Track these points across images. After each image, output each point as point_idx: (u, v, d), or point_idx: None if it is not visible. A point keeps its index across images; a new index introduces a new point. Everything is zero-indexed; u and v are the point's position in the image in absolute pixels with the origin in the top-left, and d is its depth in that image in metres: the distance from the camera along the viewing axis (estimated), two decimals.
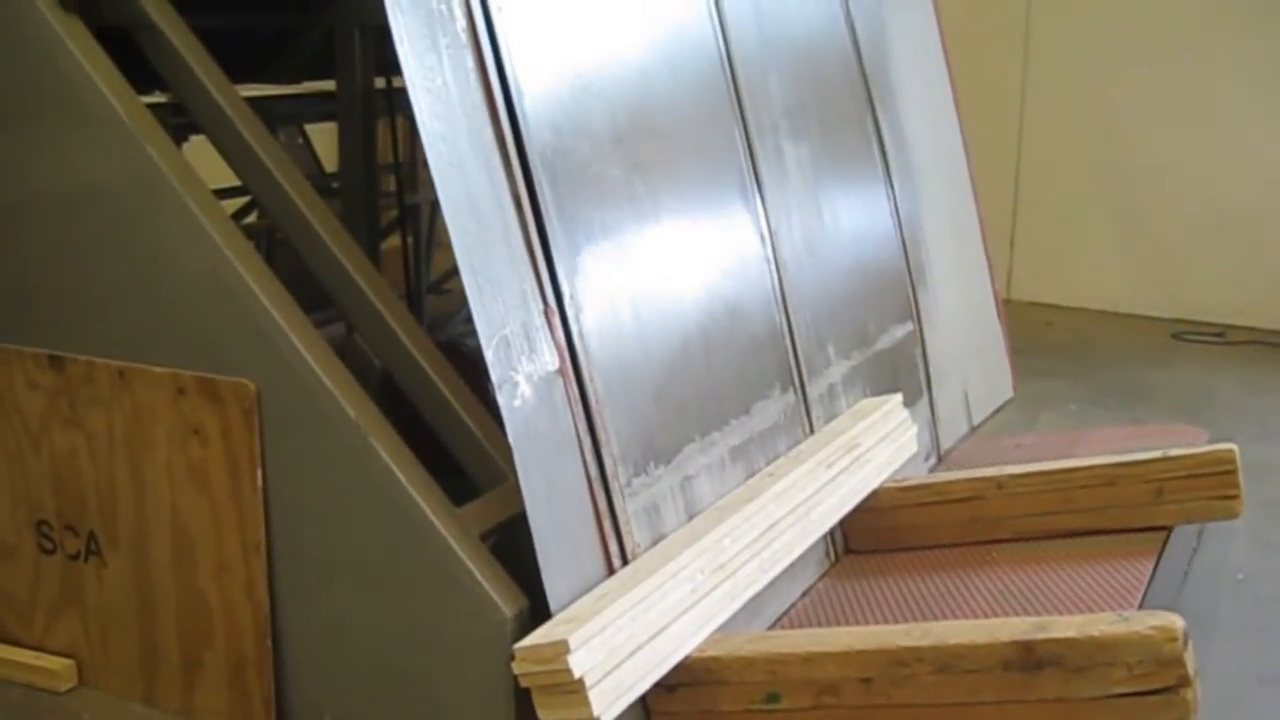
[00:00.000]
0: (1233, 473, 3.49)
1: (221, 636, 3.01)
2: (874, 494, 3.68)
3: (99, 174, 2.99)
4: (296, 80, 4.61)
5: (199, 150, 3.40)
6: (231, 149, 3.24)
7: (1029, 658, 2.43)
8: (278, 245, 4.54)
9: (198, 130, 3.28)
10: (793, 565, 3.26)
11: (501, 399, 2.57)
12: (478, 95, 2.70)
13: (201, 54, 3.19)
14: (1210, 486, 3.51)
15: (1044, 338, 7.08)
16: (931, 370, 4.68)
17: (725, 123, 3.58)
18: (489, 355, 2.57)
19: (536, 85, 2.85)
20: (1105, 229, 7.91)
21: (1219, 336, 7.11)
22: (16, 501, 3.25)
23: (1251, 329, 7.19)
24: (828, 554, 3.65)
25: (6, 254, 3.19)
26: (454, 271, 6.01)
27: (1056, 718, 2.43)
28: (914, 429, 3.99)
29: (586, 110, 3.02)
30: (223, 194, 3.60)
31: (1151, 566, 3.36)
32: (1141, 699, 2.37)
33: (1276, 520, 4.39)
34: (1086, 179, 7.95)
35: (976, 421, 5.12)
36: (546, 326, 2.73)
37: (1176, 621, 2.38)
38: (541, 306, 2.73)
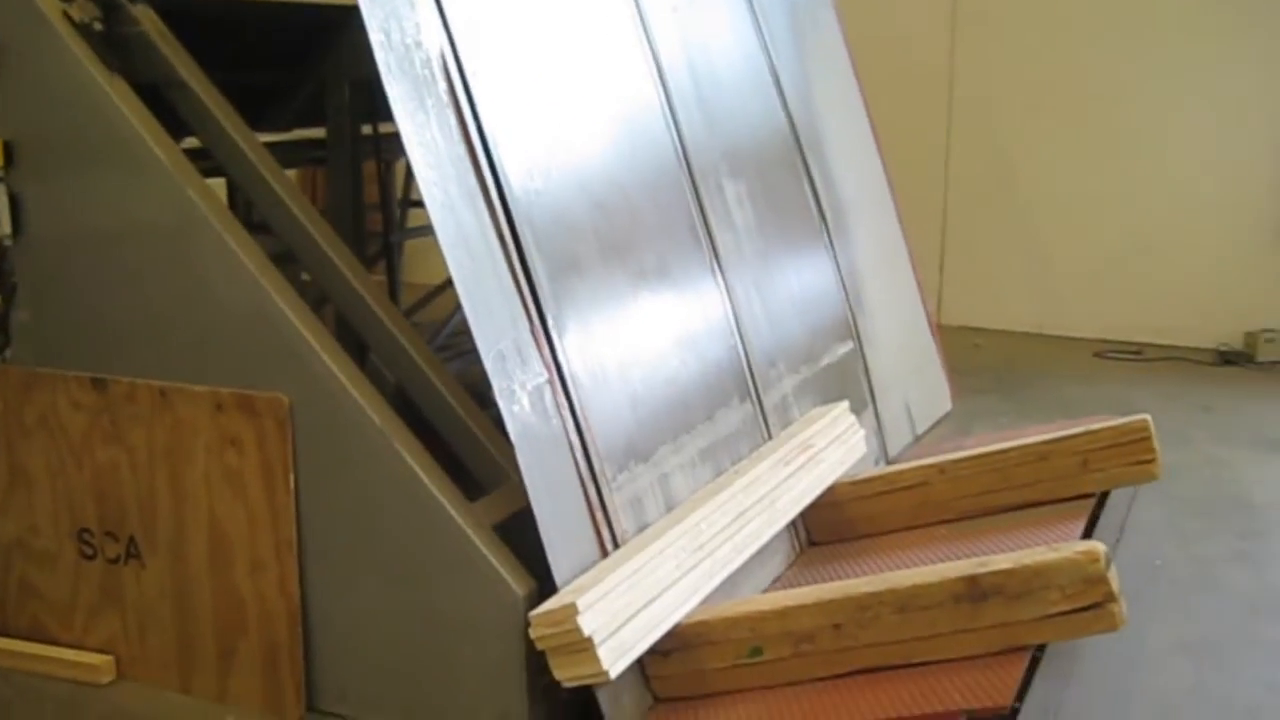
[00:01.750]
0: (1148, 439, 3.88)
1: (255, 628, 3.32)
2: (830, 489, 4.06)
3: (143, 213, 3.32)
4: (289, 129, 4.95)
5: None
6: (252, 187, 3.60)
7: (974, 589, 2.82)
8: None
9: (220, 173, 3.62)
10: (763, 555, 3.66)
11: (502, 404, 2.95)
12: (460, 148, 3.12)
13: (225, 106, 3.55)
14: (1130, 454, 3.90)
15: (973, 358, 7.49)
16: (874, 384, 5.10)
17: (673, 172, 4.02)
18: (489, 366, 2.95)
19: (510, 139, 3.27)
20: (1029, 255, 8.33)
21: (1137, 354, 7.56)
22: (58, 512, 3.56)
23: (1168, 346, 7.65)
24: (793, 546, 4.04)
25: (55, 287, 3.51)
26: (420, 305, 6.41)
27: (1004, 640, 2.81)
28: (861, 432, 4.40)
29: (555, 160, 3.45)
30: None
31: (1082, 526, 3.74)
32: (1075, 615, 2.75)
33: (1188, 514, 4.83)
34: (1009, 209, 8.38)
35: (920, 431, 5.52)
36: (534, 343, 3.12)
37: (1099, 546, 2.77)
38: (529, 326, 3.12)
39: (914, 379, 5.62)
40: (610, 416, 3.31)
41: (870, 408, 5.03)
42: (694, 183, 4.10)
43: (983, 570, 2.84)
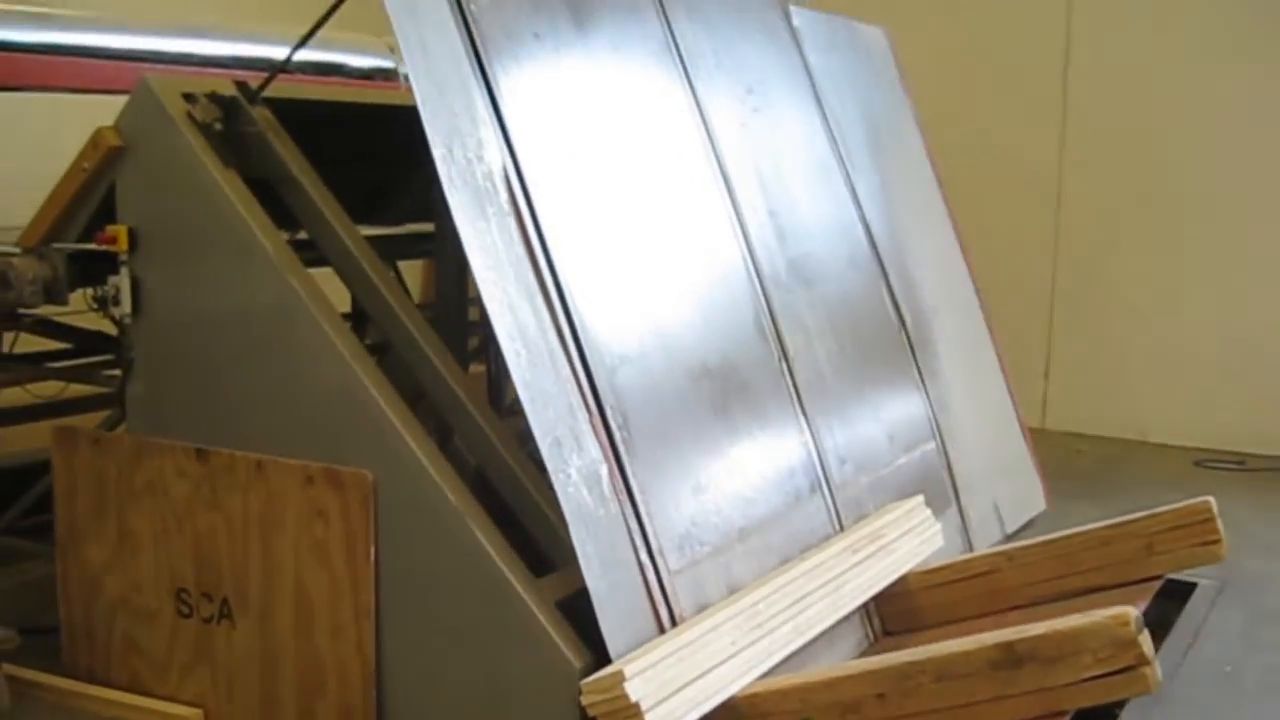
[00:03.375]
0: (1211, 520, 3.92)
1: (334, 688, 3.52)
2: (903, 579, 4.15)
3: (248, 298, 3.60)
4: (399, 223, 5.23)
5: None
6: (354, 279, 3.85)
7: (1010, 656, 2.90)
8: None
9: (325, 263, 3.89)
10: (831, 640, 3.78)
11: (557, 486, 3.14)
12: (520, 250, 3.34)
13: (331, 201, 3.81)
14: (1194, 535, 3.95)
15: (1073, 464, 7.46)
16: (958, 482, 5.19)
17: (739, 275, 4.23)
18: (544, 451, 3.14)
19: (570, 245, 3.49)
20: (1133, 362, 8.29)
21: (1240, 464, 7.48)
22: (160, 573, 3.82)
23: (1272, 457, 7.56)
24: (866, 635, 4.13)
25: (167, 363, 3.80)
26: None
27: (1042, 705, 2.89)
28: (937, 526, 4.48)
29: (614, 264, 3.68)
30: None
31: (1143, 608, 3.71)
32: (1109, 679, 2.82)
33: (1265, 623, 4.83)
34: (1115, 315, 8.35)
35: (1010, 530, 5.57)
36: (591, 431, 3.31)
37: (1130, 610, 2.83)
38: (587, 415, 3.31)
39: (1002, 479, 5.69)
40: (670, 502, 3.48)
41: (954, 505, 5.12)
42: (763, 287, 4.29)
43: (1017, 637, 2.92)
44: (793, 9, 5.34)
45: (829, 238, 4.93)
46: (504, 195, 3.36)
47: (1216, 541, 3.93)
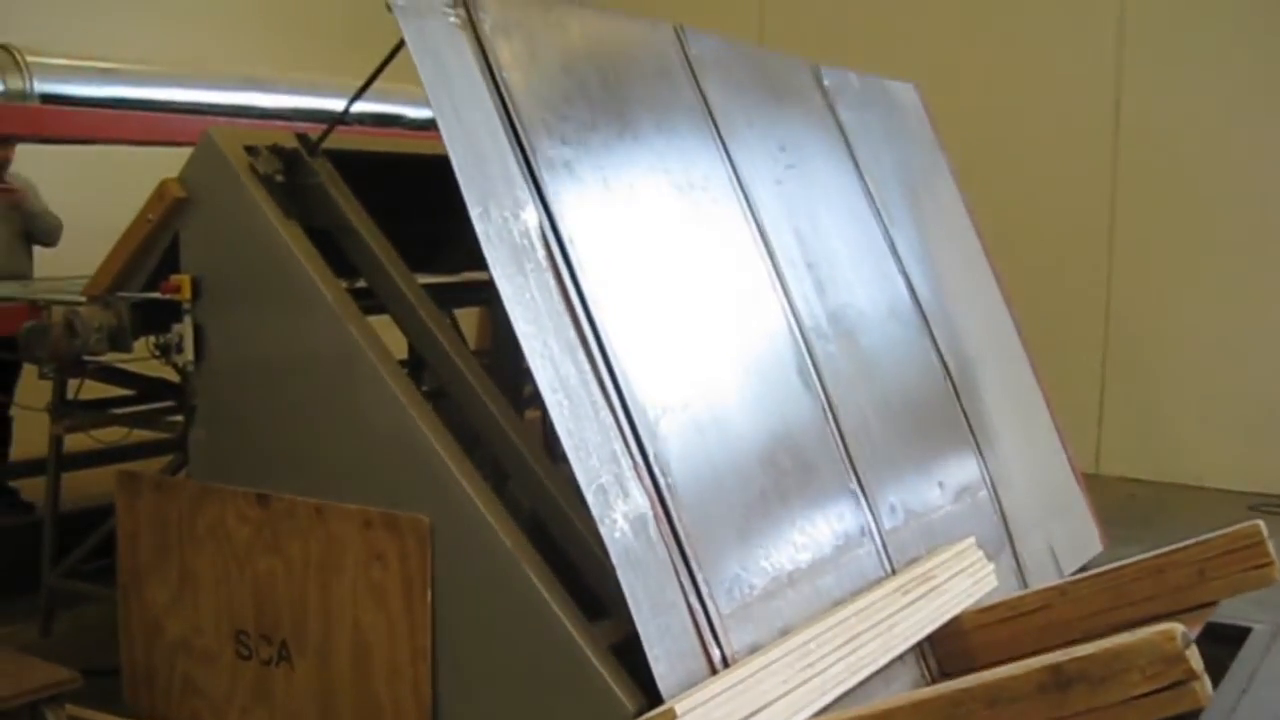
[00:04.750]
0: (1262, 544, 3.90)
1: None
2: (956, 619, 4.15)
3: (309, 346, 3.68)
4: (456, 272, 5.30)
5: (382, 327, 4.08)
6: (411, 327, 3.91)
7: (1059, 678, 2.87)
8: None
9: (383, 311, 3.96)
10: (888, 685, 3.78)
11: (603, 531, 3.19)
12: (559, 305, 3.42)
13: (389, 250, 3.88)
14: (1245, 559, 3.93)
15: (1127, 509, 7.46)
16: (1011, 526, 5.19)
17: (779, 328, 4.28)
18: (589, 498, 3.20)
19: (606, 297, 3.54)
20: (1186, 407, 8.30)
21: None
22: (220, 615, 3.88)
23: None
24: (922, 675, 4.13)
25: (229, 411, 3.88)
26: None
27: None
28: (990, 566, 4.48)
29: (651, 313, 3.74)
30: None
31: (1196, 634, 3.65)
32: (1159, 695, 2.78)
33: None
34: (1168, 359, 8.38)
35: (1067, 572, 5.50)
36: (636, 478, 3.35)
37: (1176, 627, 2.80)
38: (631, 463, 3.36)
39: (1057, 522, 5.68)
40: (718, 546, 3.51)
41: (1008, 548, 5.12)
42: (804, 338, 4.34)
43: (1065, 659, 2.89)
44: (824, 69, 5.42)
45: (869, 288, 4.98)
46: (541, 252, 3.43)
47: (1269, 564, 3.91)
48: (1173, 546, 4.06)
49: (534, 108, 3.63)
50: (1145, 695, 2.81)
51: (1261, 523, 3.95)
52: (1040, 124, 8.67)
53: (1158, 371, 8.40)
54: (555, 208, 3.53)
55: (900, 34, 9.01)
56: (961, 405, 5.21)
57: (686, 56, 4.44)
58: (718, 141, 4.39)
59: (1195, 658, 2.79)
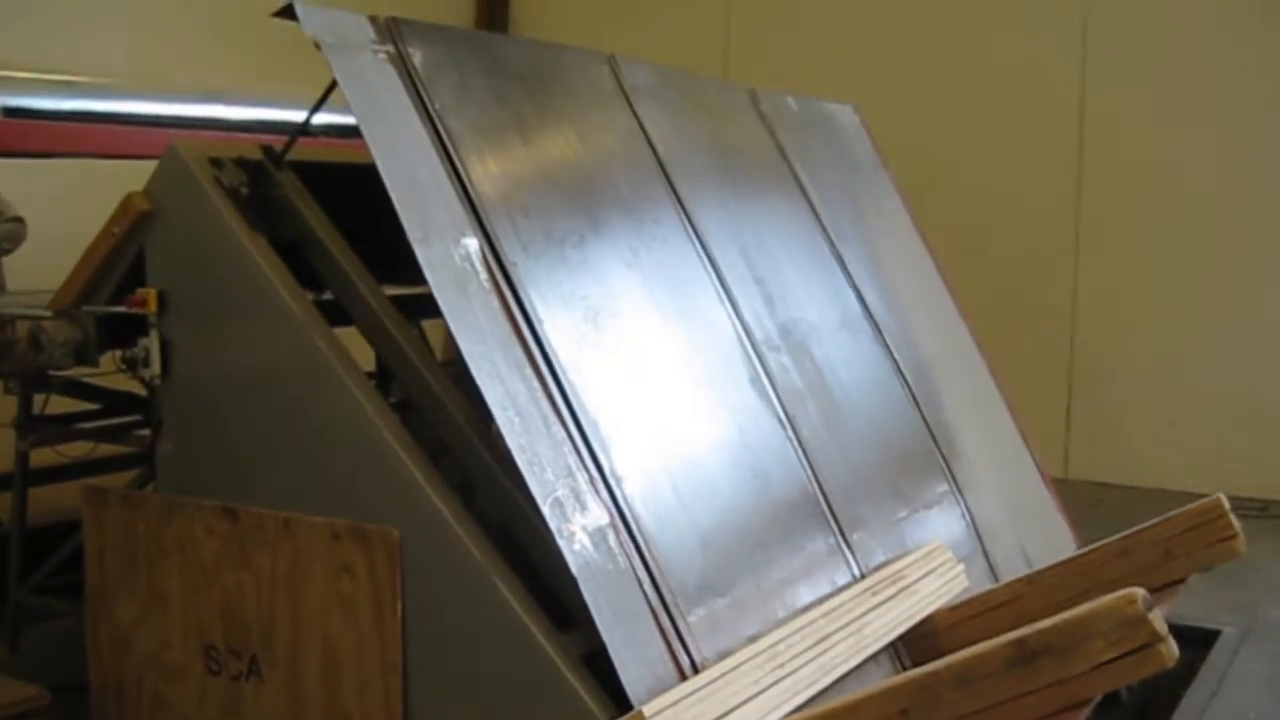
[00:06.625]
0: (1224, 517, 3.94)
1: None
2: (929, 619, 4.16)
3: (275, 358, 3.67)
4: (423, 283, 5.26)
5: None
6: (378, 338, 3.90)
7: (1024, 651, 2.86)
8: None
9: (350, 323, 3.95)
10: (861, 682, 3.77)
11: (562, 544, 3.20)
12: (505, 325, 3.43)
13: (355, 262, 3.87)
14: (1210, 533, 3.97)
15: (1094, 513, 7.49)
16: (980, 527, 5.21)
17: (730, 340, 4.29)
18: (545, 511, 3.21)
19: (551, 314, 3.57)
20: (1154, 411, 8.36)
21: (1263, 511, 7.50)
22: (189, 629, 3.86)
23: None
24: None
25: (196, 424, 3.87)
26: None
27: (1064, 697, 2.84)
28: (960, 566, 4.51)
29: (599, 330, 3.74)
30: None
31: (1169, 608, 3.72)
32: (1125, 660, 2.76)
33: None
34: (1135, 363, 8.43)
35: None
36: (593, 491, 3.36)
37: (1137, 590, 2.78)
38: (587, 476, 3.37)
39: (1027, 523, 5.70)
40: (680, 553, 3.52)
41: (979, 549, 5.14)
42: (755, 350, 4.37)
43: (1028, 632, 2.90)
44: (760, 93, 5.50)
45: (819, 303, 5.01)
46: (484, 275, 3.45)
47: (1233, 537, 3.94)
48: (1138, 527, 4.08)
49: (469, 137, 3.66)
50: (1111, 661, 2.79)
51: (1223, 496, 3.99)
52: (1005, 131, 8.73)
53: (1125, 375, 8.45)
54: (496, 231, 3.55)
55: (866, 56, 9.13)
56: (921, 413, 5.24)
57: (621, 85, 4.48)
58: (657, 165, 4.43)
59: (1158, 620, 2.78)
